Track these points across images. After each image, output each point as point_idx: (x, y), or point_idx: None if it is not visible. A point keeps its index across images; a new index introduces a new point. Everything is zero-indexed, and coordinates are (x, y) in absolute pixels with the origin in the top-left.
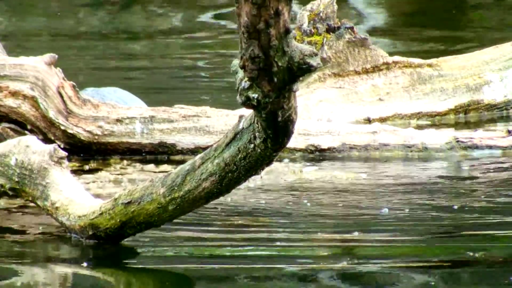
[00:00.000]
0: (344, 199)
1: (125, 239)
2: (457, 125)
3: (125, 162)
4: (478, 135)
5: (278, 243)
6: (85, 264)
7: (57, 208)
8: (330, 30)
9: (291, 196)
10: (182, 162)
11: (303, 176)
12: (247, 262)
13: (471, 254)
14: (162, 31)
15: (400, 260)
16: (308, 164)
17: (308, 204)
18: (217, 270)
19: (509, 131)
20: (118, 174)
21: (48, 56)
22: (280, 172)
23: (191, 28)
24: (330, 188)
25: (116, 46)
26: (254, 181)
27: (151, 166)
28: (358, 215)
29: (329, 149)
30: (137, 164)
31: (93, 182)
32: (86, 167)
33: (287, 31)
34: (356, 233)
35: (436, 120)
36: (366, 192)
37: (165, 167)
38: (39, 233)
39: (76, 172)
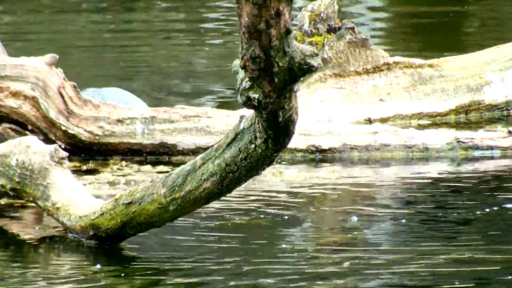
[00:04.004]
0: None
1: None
2: (458, 126)
3: (123, 163)
4: (479, 136)
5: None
6: (98, 266)
7: (58, 208)
8: (331, 30)
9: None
10: (180, 163)
11: (284, 178)
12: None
13: (471, 255)
14: (164, 31)
15: (394, 264)
16: (289, 165)
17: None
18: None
19: (510, 132)
20: (115, 175)
21: (49, 57)
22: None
23: (193, 28)
24: (309, 192)
25: (117, 46)
26: None
27: (148, 167)
28: (333, 223)
29: (330, 149)
30: (134, 165)
31: (90, 183)
32: (84, 168)
33: (288, 31)
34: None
35: (437, 121)
36: (344, 195)
37: (161, 167)
38: (38, 234)
39: (74, 172)
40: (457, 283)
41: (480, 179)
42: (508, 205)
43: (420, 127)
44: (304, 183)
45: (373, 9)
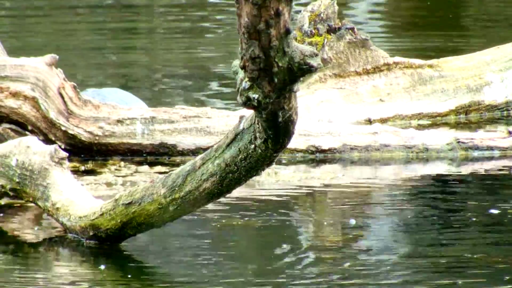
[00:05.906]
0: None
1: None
2: (457, 126)
3: (122, 163)
4: (479, 136)
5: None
6: (102, 267)
7: (58, 208)
8: (330, 30)
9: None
10: (178, 164)
11: (280, 178)
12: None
13: (470, 255)
14: (164, 31)
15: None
16: (288, 165)
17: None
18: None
19: (509, 132)
20: (114, 176)
21: (49, 57)
22: None
23: (193, 28)
24: (306, 192)
25: (117, 46)
26: None
27: (146, 168)
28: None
29: (330, 149)
30: (133, 166)
31: (88, 184)
32: (82, 168)
33: (288, 31)
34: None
35: (437, 121)
36: (344, 196)
37: (159, 168)
38: (38, 234)
39: (73, 173)
40: (459, 282)
41: (480, 180)
42: (508, 206)
43: (420, 127)
44: (300, 183)
45: (373, 11)
